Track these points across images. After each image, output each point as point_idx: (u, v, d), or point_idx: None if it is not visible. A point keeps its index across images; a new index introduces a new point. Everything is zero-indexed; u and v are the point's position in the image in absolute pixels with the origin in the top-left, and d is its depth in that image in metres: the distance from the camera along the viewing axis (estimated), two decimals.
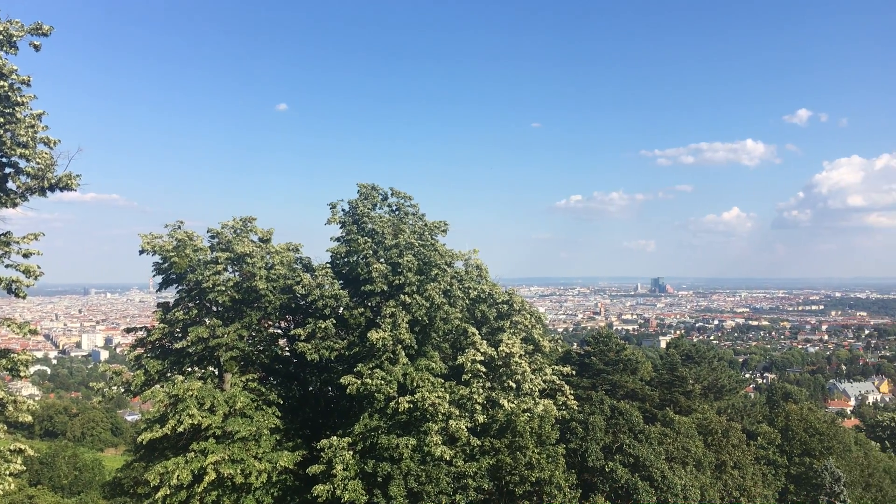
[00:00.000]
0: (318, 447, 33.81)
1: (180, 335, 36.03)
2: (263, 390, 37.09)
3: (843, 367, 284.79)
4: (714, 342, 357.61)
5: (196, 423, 32.46)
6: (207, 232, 37.51)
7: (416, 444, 33.80)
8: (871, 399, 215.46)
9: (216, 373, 37.31)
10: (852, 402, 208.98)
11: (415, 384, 34.83)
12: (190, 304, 36.49)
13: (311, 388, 41.91)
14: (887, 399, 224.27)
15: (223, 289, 35.27)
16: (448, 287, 37.29)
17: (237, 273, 37.11)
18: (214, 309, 36.92)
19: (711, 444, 50.77)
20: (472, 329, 38.42)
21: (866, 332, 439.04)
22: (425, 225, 40.16)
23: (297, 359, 39.91)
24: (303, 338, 36.09)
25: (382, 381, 33.81)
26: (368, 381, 33.65)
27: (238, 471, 32.69)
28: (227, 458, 32.60)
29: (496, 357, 37.59)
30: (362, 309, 37.21)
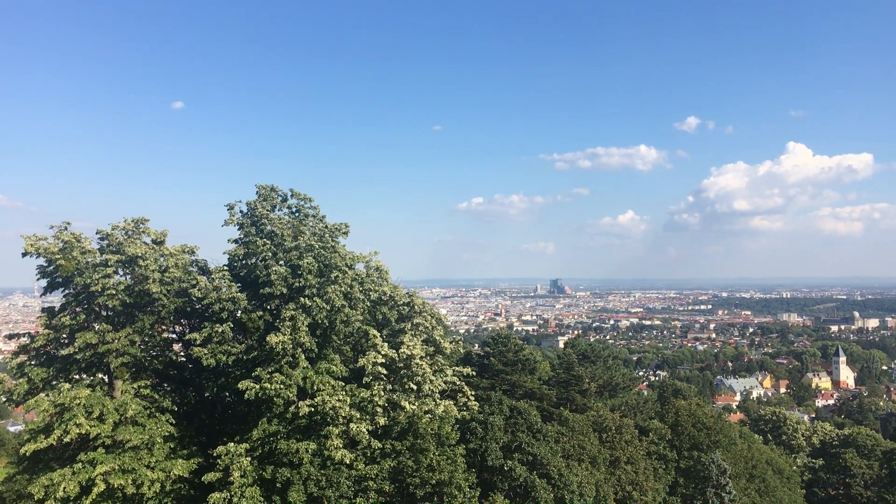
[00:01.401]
0: (215, 454, 33.04)
1: (67, 341, 34.52)
2: (157, 397, 35.90)
3: (730, 364, 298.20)
4: (610, 341, 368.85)
5: (84, 432, 31.18)
6: (97, 233, 36.00)
7: (317, 449, 33.48)
8: (754, 394, 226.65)
9: (106, 380, 35.87)
10: (738, 398, 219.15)
11: (315, 388, 34.51)
12: (77, 309, 34.98)
13: (207, 394, 40.88)
14: (769, 394, 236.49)
15: (113, 292, 33.95)
16: (349, 289, 37.11)
17: (129, 276, 35.81)
18: (104, 313, 35.49)
19: (606, 440, 52.24)
20: (374, 331, 38.33)
21: (751, 330, 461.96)
22: (326, 227, 39.83)
23: (192, 364, 38.85)
24: (199, 342, 35.17)
25: (282, 386, 33.34)
26: (267, 385, 33.11)
27: (129, 481, 31.56)
28: (117, 468, 31.45)
29: (397, 359, 37.62)
30: (261, 312, 36.59)
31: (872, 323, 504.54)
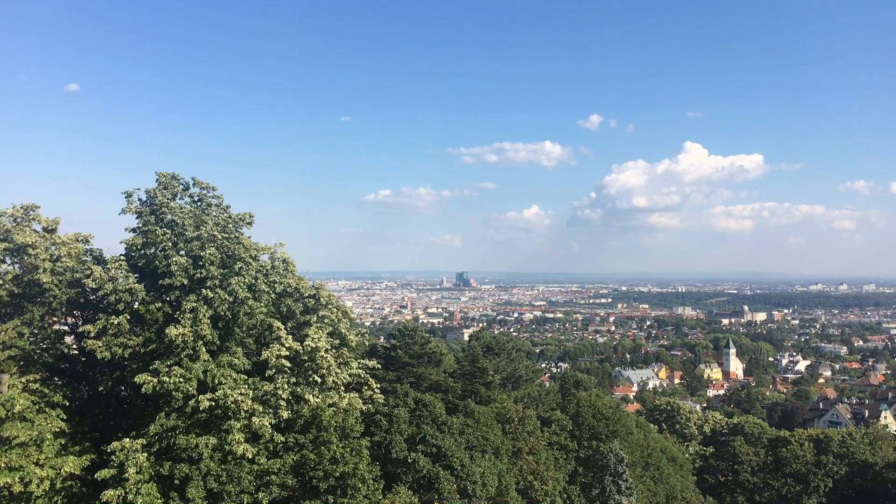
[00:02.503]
0: (109, 450, 31.88)
1: None
2: (47, 392, 34.32)
3: (628, 356, 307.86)
4: (513, 334, 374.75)
5: None
6: None
7: (217, 443, 32.79)
8: (650, 385, 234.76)
9: None
10: (635, 388, 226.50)
11: (216, 381, 33.77)
12: None
13: (101, 389, 39.36)
14: (665, 384, 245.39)
15: (0, 282, 32.31)
16: (253, 281, 36.41)
17: (17, 265, 34.12)
18: None
19: (509, 431, 53.12)
20: (278, 324, 37.78)
21: (648, 323, 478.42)
22: (230, 217, 38.94)
23: (85, 357, 37.32)
24: (93, 335, 33.83)
25: (181, 379, 32.47)
26: (166, 379, 32.18)
27: (17, 479, 30.12)
28: (3, 465, 29.97)
29: (301, 352, 37.22)
30: (160, 304, 35.47)
31: (760, 316, 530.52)
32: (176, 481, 32.25)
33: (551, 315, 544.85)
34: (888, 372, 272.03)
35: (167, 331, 32.78)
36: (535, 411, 61.36)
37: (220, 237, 36.01)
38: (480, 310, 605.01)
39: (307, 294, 41.92)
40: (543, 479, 52.78)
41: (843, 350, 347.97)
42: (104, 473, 31.63)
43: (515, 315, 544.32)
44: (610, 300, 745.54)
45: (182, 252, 35.55)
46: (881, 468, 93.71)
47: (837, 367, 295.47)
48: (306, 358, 37.61)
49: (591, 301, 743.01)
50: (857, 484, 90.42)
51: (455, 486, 42.06)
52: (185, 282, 34.50)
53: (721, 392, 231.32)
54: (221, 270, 35.29)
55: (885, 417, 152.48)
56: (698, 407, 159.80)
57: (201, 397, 32.68)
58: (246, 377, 35.49)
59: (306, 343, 37.32)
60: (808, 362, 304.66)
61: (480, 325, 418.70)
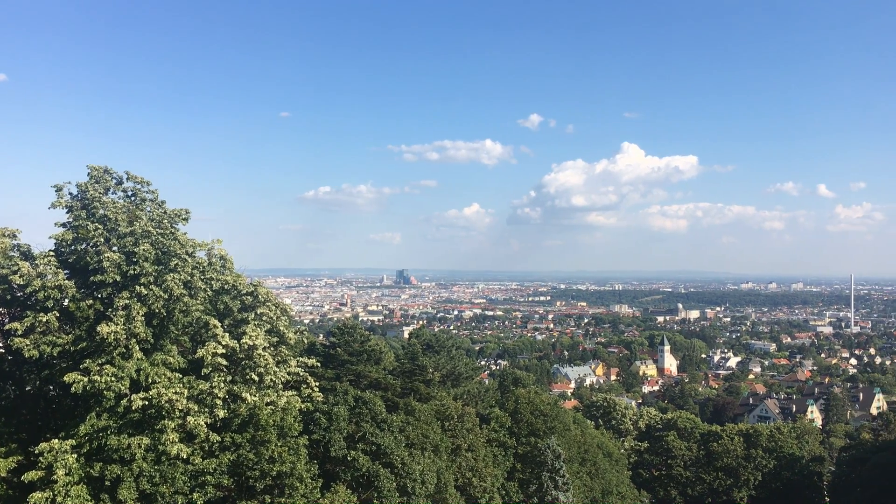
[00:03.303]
0: (37, 451, 30.88)
1: None
2: None
3: (566, 353, 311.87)
4: (453, 331, 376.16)
5: None
6: None
7: (151, 444, 32.07)
8: (588, 381, 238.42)
9: None
10: (573, 385, 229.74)
11: (150, 380, 33.01)
12: None
13: (29, 388, 38.08)
14: (601, 381, 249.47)
15: None
16: (189, 278, 35.71)
17: None
18: None
19: (448, 429, 53.30)
20: (214, 321, 37.10)
21: (586, 320, 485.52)
22: (165, 212, 38.11)
23: (12, 356, 36.06)
24: (20, 332, 32.70)
25: (113, 378, 31.64)
26: (97, 378, 31.32)
27: None
28: None
29: (239, 350, 36.66)
30: (91, 301, 34.50)
31: (694, 314, 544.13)
32: (107, 483, 31.43)
33: (491, 313, 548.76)
34: (815, 368, 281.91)
35: (99, 328, 31.92)
36: (475, 408, 61.67)
37: (154, 233, 35.22)
38: (421, 307, 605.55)
39: (245, 291, 41.29)
40: (482, 475, 53.12)
41: (772, 347, 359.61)
42: (32, 475, 30.64)
43: (455, 313, 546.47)
44: (549, 298, 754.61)
45: (115, 248, 34.65)
46: (807, 461, 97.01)
47: (767, 363, 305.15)
48: (244, 356, 37.07)
49: (530, 299, 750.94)
50: (785, 477, 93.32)
51: (394, 483, 42.01)
52: (118, 278, 33.64)
53: (656, 388, 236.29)
54: (156, 267, 34.54)
55: (812, 412, 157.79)
56: (634, 403, 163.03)
57: (134, 396, 31.92)
58: (181, 376, 34.78)
59: (244, 341, 36.77)
60: (738, 359, 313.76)
61: (421, 322, 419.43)
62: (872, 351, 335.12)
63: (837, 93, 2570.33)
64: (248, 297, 41.35)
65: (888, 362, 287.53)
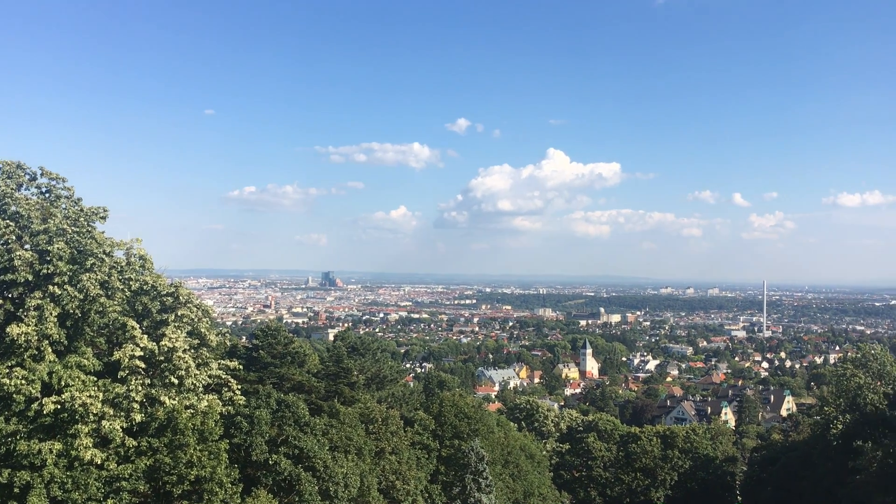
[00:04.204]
0: None
1: None
2: None
3: (491, 356, 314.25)
4: (379, 334, 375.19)
5: None
6: None
7: (63, 449, 31.06)
8: (512, 384, 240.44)
9: None
10: (497, 388, 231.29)
11: (63, 383, 31.98)
12: None
13: None
14: (525, 384, 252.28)
15: None
16: (106, 278, 34.73)
17: None
18: None
19: (372, 431, 53.14)
20: (132, 323, 36.17)
21: (510, 323, 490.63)
22: (81, 210, 36.97)
23: None
24: None
25: (23, 381, 30.55)
26: (6, 381, 30.21)
27: None
28: None
29: (158, 352, 35.84)
30: (1, 301, 33.24)
31: (615, 318, 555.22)
32: (16, 489, 30.29)
33: (417, 315, 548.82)
34: (729, 371, 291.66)
35: (9, 329, 30.81)
36: (399, 411, 61.64)
37: (70, 231, 34.16)
38: (346, 310, 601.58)
39: (165, 292, 40.34)
40: (405, 478, 53.14)
41: (689, 350, 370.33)
42: None
43: (381, 315, 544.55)
44: (474, 301, 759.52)
45: (27, 246, 33.50)
46: (721, 461, 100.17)
47: (684, 366, 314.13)
48: (163, 358, 36.25)
49: (456, 302, 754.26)
50: (700, 477, 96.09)
51: (317, 487, 41.67)
52: (30, 277, 32.51)
53: (578, 391, 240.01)
54: (71, 266, 33.49)
55: (726, 414, 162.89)
56: (556, 405, 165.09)
57: (46, 400, 30.86)
58: (96, 379, 33.81)
59: (163, 343, 35.97)
60: (657, 362, 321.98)
61: (346, 325, 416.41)
62: (783, 354, 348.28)
63: (750, 104, 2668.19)
64: (169, 298, 40.42)
65: (798, 366, 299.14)
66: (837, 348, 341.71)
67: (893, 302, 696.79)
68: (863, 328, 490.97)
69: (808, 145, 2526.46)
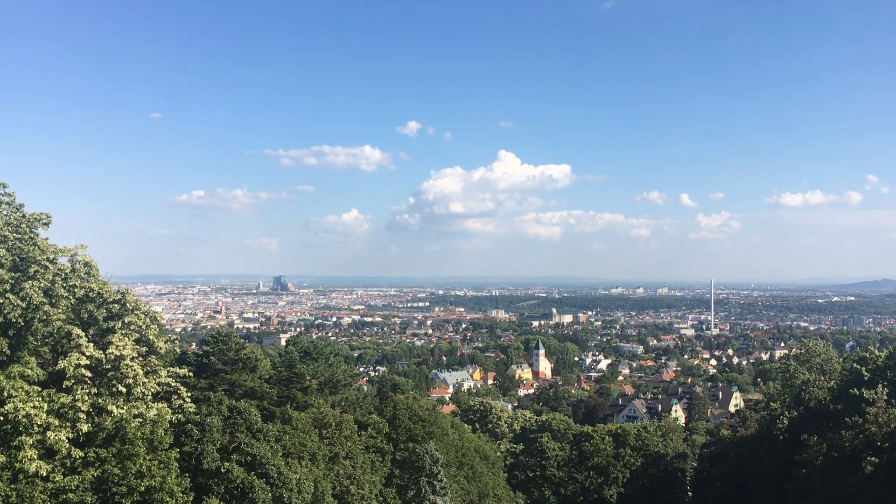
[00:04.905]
0: None
1: None
2: None
3: (444, 358, 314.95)
4: (332, 338, 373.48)
5: None
6: None
7: (6, 461, 30.25)
8: (466, 386, 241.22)
9: None
10: (451, 390, 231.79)
11: (6, 394, 31.13)
12: None
13: None
14: (479, 385, 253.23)
15: None
16: (50, 285, 33.96)
17: None
18: None
19: (326, 436, 52.86)
20: (78, 331, 35.39)
21: (464, 326, 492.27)
22: (24, 216, 36.07)
23: None
24: None
25: None
26: None
27: None
28: None
29: (104, 360, 35.14)
30: None
31: (567, 318, 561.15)
32: None
33: (370, 319, 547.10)
34: (678, 369, 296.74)
35: None
36: (353, 415, 61.38)
37: (11, 238, 33.35)
38: (298, 314, 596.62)
39: (112, 299, 39.56)
40: (360, 483, 52.95)
41: (640, 349, 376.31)
42: None
43: (334, 319, 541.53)
44: (427, 304, 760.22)
45: None
46: (672, 458, 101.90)
47: (635, 364, 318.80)
48: (110, 367, 35.55)
49: (409, 305, 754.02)
50: (652, 474, 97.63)
51: (270, 494, 41.28)
52: None
53: (531, 391, 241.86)
54: (13, 274, 32.68)
55: (676, 411, 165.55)
56: (510, 406, 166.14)
57: None
58: (40, 389, 33.00)
59: (110, 351, 35.28)
60: (609, 361, 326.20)
61: (298, 329, 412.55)
62: (730, 352, 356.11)
63: (695, 107, 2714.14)
64: (115, 306, 39.64)
65: (745, 362, 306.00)
66: (782, 345, 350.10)
67: (836, 299, 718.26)
68: (806, 324, 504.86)
69: (751, 147, 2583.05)
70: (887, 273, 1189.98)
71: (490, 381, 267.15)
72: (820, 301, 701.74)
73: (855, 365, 63.23)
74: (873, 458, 46.84)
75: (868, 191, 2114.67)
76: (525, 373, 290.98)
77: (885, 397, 51.47)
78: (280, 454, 44.32)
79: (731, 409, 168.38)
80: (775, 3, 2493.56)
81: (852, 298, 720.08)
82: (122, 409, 35.22)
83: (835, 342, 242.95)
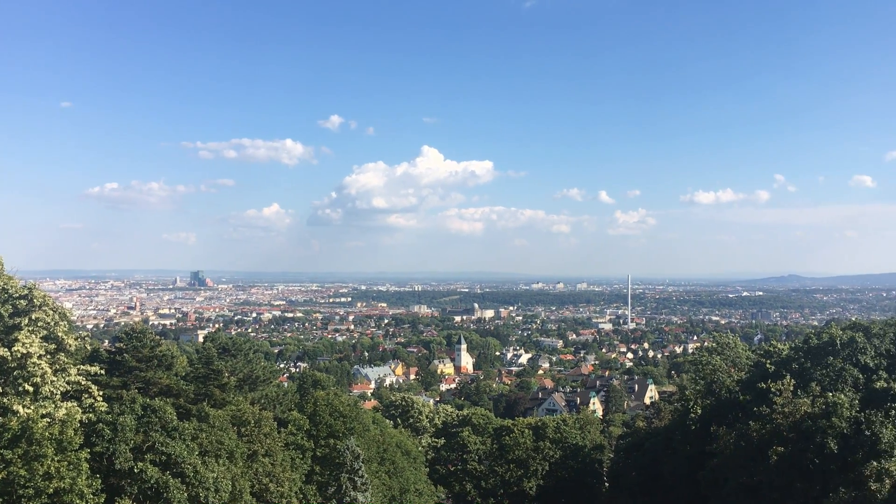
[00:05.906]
0: None
1: None
2: None
3: (366, 354, 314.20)
4: (252, 334, 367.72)
5: None
6: None
7: None
8: (388, 381, 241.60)
9: None
10: (373, 385, 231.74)
11: None
12: None
13: None
14: (401, 380, 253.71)
15: None
16: None
17: None
18: None
19: (245, 434, 52.07)
20: None
21: (386, 321, 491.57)
22: None
23: None
24: None
25: None
26: None
27: None
28: None
29: (10, 358, 33.88)
30: None
31: (489, 313, 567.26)
32: None
33: (291, 315, 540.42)
34: (597, 362, 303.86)
35: None
36: (273, 412, 60.62)
37: None
38: (217, 310, 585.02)
39: (17, 294, 38.08)
40: (279, 480, 52.39)
41: (560, 343, 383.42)
42: None
43: (254, 315, 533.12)
44: (350, 299, 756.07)
45: None
46: (590, 450, 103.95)
47: (554, 358, 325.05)
48: (15, 365, 34.31)
49: (331, 300, 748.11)
50: (570, 465, 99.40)
51: (186, 494, 40.46)
52: None
53: (453, 386, 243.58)
54: None
55: (594, 404, 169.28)
56: (431, 401, 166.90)
57: None
58: None
59: (15, 349, 34.02)
60: (529, 355, 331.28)
61: (217, 325, 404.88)
62: (646, 345, 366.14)
63: (613, 106, 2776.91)
64: (22, 301, 38.19)
65: (660, 355, 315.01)
66: (695, 338, 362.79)
67: (745, 294, 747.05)
68: (718, 318, 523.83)
69: (667, 146, 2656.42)
70: (793, 269, 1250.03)
71: (412, 377, 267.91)
72: (731, 296, 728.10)
73: (760, 359, 65.92)
74: (779, 448, 48.93)
75: (776, 189, 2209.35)
76: (447, 368, 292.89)
77: (792, 388, 53.75)
78: (196, 453, 43.47)
79: (647, 401, 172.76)
80: (688, 8, 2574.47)
81: (761, 293, 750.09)
82: (29, 408, 34.04)
83: (744, 335, 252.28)
